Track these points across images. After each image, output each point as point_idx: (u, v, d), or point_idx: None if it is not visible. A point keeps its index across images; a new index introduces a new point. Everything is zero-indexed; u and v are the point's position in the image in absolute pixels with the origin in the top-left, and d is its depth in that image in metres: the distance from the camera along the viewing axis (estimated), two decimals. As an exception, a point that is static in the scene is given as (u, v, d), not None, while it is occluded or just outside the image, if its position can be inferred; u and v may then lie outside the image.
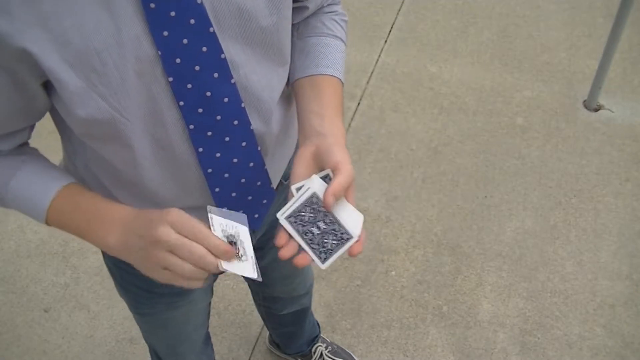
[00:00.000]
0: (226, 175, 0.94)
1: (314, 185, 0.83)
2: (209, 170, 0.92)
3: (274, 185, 1.07)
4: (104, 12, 0.73)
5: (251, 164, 0.96)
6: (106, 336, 2.03)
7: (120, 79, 0.77)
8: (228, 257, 0.78)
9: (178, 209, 0.79)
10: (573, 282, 2.11)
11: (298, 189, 0.84)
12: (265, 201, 1.04)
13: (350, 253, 0.83)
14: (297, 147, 1.16)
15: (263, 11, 0.83)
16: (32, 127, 0.92)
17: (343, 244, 0.82)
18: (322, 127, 0.90)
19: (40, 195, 0.89)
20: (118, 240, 0.83)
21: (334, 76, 0.98)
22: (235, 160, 0.93)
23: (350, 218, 0.83)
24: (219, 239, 0.78)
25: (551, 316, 2.03)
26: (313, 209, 0.83)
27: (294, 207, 0.82)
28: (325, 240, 0.83)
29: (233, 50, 0.84)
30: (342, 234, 0.82)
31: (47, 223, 0.91)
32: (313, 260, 0.83)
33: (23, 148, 0.93)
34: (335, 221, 0.82)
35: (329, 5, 1.06)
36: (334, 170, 0.83)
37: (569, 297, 2.07)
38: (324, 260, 0.83)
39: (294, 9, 0.98)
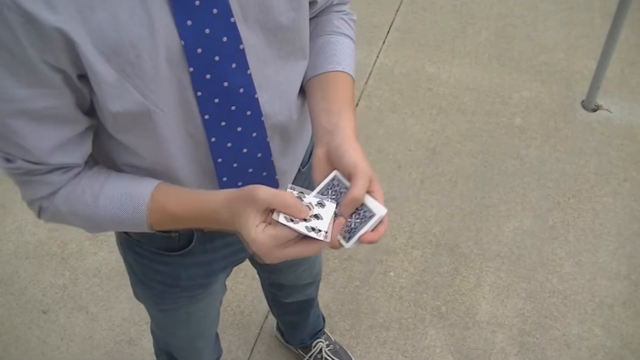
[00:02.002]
0: (235, 165, 0.95)
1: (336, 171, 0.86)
2: (219, 160, 0.93)
3: (294, 172, 1.10)
4: (136, 2, 0.74)
5: (259, 155, 0.97)
6: (105, 337, 2.03)
7: (153, 69, 0.78)
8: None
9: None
10: (572, 282, 2.11)
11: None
12: None
13: (364, 239, 0.82)
14: (312, 139, 1.18)
15: (285, 3, 0.85)
16: (92, 137, 0.90)
17: (366, 222, 0.83)
18: (329, 123, 0.91)
19: (136, 199, 0.88)
20: (231, 225, 0.84)
21: (343, 72, 0.99)
22: (245, 150, 0.95)
23: (373, 201, 0.85)
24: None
25: (550, 316, 2.03)
26: (335, 190, 0.85)
27: (318, 189, 0.86)
28: (349, 220, 0.84)
29: (255, 40, 0.85)
30: (364, 212, 0.83)
31: (150, 226, 0.90)
32: (339, 240, 0.84)
33: (99, 169, 0.93)
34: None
35: (337, 4, 1.07)
36: (350, 176, 0.83)
37: (568, 298, 2.07)
38: (347, 240, 0.84)
39: None
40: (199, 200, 0.87)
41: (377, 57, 2.92)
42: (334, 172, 0.87)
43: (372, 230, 0.84)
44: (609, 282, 2.11)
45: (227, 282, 2.13)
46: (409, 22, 3.10)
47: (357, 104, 2.71)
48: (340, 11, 1.07)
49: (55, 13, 0.71)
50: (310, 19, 1.05)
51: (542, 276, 2.13)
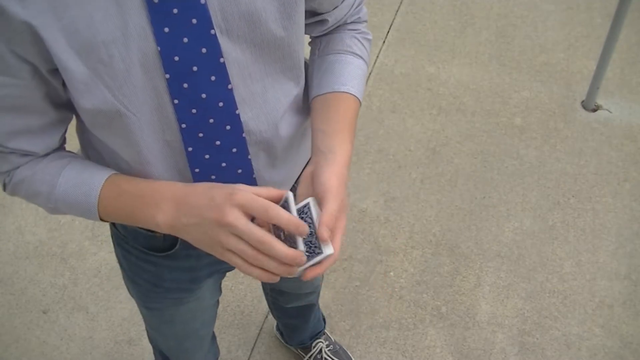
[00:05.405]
0: (213, 177, 0.94)
1: (312, 200, 0.84)
2: (197, 170, 0.92)
3: (287, 188, 1.08)
4: (111, 4, 0.74)
5: (239, 171, 0.95)
6: (105, 338, 2.03)
7: (126, 72, 0.78)
8: (296, 260, 0.77)
9: (244, 187, 0.78)
10: (572, 282, 2.11)
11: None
12: None
13: (309, 274, 0.81)
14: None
15: (274, 15, 0.83)
16: (62, 131, 0.92)
17: (313, 257, 0.81)
18: (323, 144, 0.89)
19: (88, 187, 0.88)
20: (169, 217, 0.83)
21: (349, 93, 0.96)
22: (223, 164, 0.93)
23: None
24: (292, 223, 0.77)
25: (550, 316, 2.03)
26: (302, 217, 0.83)
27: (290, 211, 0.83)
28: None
29: (239, 54, 0.83)
30: (315, 247, 0.82)
31: (100, 216, 0.90)
32: None
33: (63, 152, 0.94)
34: (314, 234, 0.82)
35: (353, 23, 1.05)
36: (321, 197, 0.82)
37: (568, 298, 2.07)
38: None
39: (314, 22, 0.98)
40: (131, 210, 0.87)
41: (377, 57, 2.92)
42: (309, 199, 0.85)
43: (319, 263, 0.81)
44: (609, 282, 2.11)
45: (227, 282, 2.14)
46: (409, 22, 3.10)
47: (357, 104, 2.71)
48: (354, 29, 1.04)
49: (24, 7, 0.71)
50: (321, 36, 1.03)
51: (542, 276, 2.13)
